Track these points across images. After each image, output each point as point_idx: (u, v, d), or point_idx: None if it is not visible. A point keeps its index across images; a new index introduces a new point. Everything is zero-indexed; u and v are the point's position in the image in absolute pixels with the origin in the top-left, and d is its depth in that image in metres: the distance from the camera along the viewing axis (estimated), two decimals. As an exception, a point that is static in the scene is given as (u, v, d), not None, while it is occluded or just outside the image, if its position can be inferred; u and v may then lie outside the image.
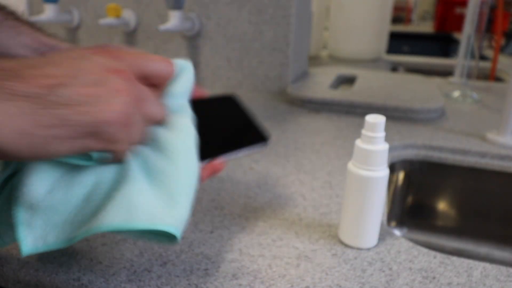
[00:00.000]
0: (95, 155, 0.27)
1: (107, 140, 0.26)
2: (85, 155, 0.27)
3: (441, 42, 2.29)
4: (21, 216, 0.29)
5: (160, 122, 0.31)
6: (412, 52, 2.27)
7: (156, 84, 0.31)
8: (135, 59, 0.30)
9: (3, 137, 0.23)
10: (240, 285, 0.33)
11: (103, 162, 0.29)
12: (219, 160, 0.36)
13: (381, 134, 0.35)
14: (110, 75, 0.26)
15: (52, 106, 0.24)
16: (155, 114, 0.30)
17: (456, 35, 2.10)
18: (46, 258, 0.36)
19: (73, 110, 0.24)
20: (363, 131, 0.35)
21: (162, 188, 0.29)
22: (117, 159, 0.29)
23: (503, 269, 0.36)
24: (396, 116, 0.75)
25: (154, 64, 0.31)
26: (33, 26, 0.39)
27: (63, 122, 0.24)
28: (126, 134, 0.27)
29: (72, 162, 0.28)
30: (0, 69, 0.23)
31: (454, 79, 1.06)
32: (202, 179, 0.34)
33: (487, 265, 0.36)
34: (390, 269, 0.35)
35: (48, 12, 0.95)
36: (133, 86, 0.28)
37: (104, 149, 0.27)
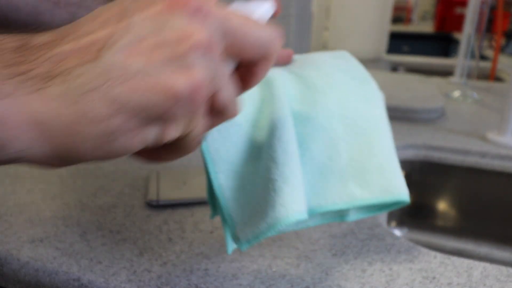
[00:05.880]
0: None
1: (178, 124, 0.18)
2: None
3: (441, 42, 2.29)
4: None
5: (225, 120, 0.20)
6: (412, 52, 2.27)
7: (247, 64, 0.20)
8: (228, 15, 0.18)
9: (20, 144, 0.15)
10: (240, 285, 0.33)
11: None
12: None
13: None
14: (175, 14, 0.17)
15: (90, 88, 0.15)
16: (229, 111, 0.20)
17: (456, 35, 2.10)
18: (46, 258, 0.36)
19: (124, 86, 0.15)
20: None
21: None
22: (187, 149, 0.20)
23: (503, 269, 0.35)
24: (396, 116, 0.75)
25: (260, 32, 0.19)
26: None
27: (115, 108, 0.15)
28: (194, 114, 0.18)
29: None
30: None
31: (454, 79, 1.06)
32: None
33: (487, 265, 0.36)
34: (390, 269, 0.35)
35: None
36: (215, 37, 0.18)
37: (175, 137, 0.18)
